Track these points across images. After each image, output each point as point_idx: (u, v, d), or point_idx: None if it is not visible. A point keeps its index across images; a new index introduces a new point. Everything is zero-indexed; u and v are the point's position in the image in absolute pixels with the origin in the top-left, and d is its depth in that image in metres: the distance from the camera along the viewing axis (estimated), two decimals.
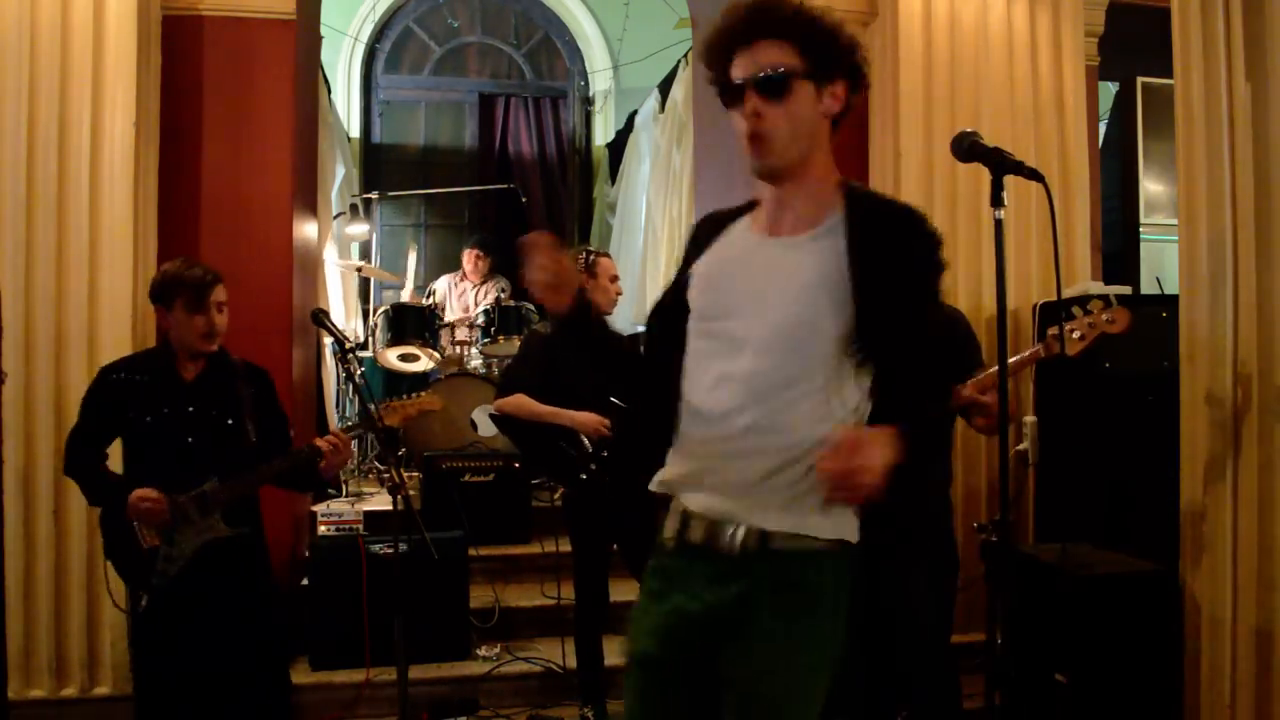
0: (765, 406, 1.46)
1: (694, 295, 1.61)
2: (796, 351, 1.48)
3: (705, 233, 1.67)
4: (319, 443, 2.75)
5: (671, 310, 1.64)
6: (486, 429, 5.12)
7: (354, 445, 5.61)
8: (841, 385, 1.48)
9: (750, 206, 1.67)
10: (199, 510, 2.67)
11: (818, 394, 1.47)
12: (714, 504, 1.50)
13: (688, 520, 1.53)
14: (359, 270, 6.28)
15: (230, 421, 2.76)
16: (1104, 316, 2.52)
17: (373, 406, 2.83)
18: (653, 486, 1.61)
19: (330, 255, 5.61)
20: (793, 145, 1.52)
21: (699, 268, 1.62)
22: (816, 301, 1.47)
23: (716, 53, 1.55)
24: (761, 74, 1.49)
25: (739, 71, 1.52)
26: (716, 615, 1.48)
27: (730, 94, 1.54)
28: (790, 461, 1.46)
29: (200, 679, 2.71)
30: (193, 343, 2.73)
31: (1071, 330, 2.53)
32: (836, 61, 1.53)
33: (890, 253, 1.47)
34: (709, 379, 1.53)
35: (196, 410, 2.74)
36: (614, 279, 3.38)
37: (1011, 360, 2.13)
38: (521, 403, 3.28)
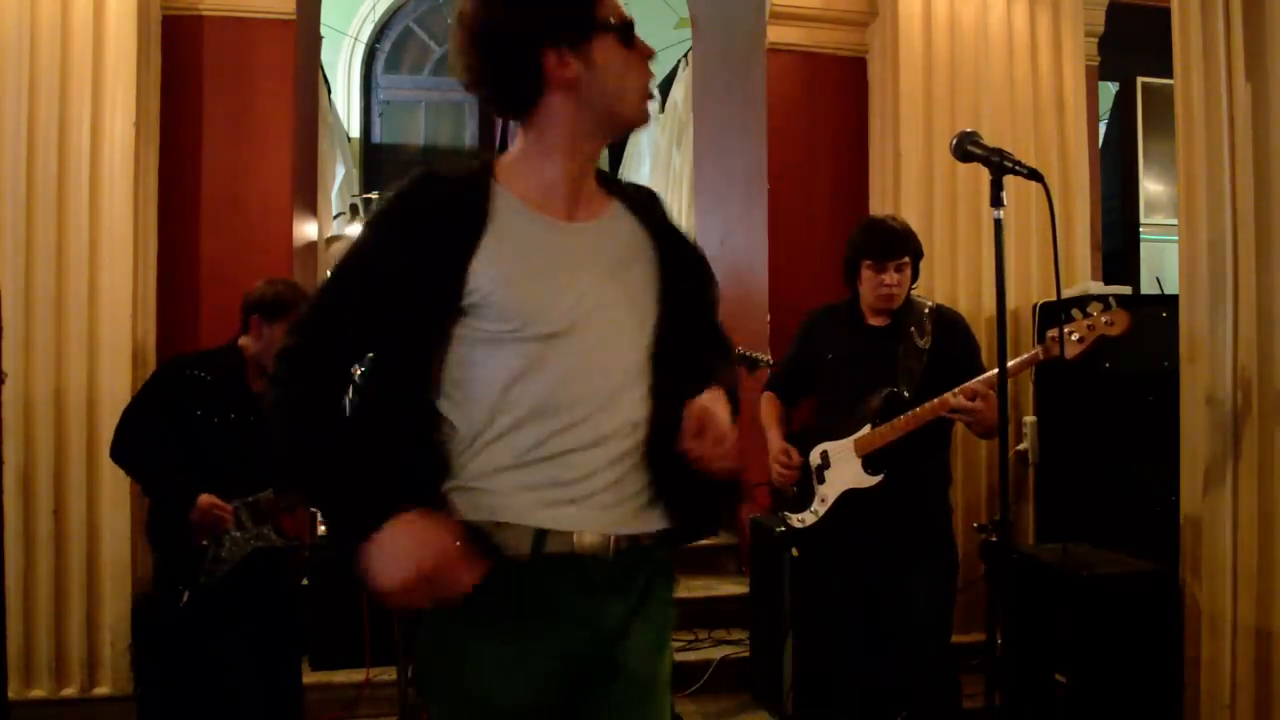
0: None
1: (489, 295, 1.27)
2: (622, 342, 1.34)
3: (461, 210, 1.30)
4: None
5: (433, 308, 1.28)
6: None
7: None
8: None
9: (484, 177, 1.34)
10: (252, 518, 2.72)
11: (641, 383, 1.35)
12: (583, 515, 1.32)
13: (543, 534, 1.31)
14: None
15: None
16: (1103, 319, 2.50)
17: None
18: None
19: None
20: None
21: (480, 263, 1.27)
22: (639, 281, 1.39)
23: None
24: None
25: (626, 15, 1.36)
26: (607, 643, 1.35)
27: (627, 33, 1.34)
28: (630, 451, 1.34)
29: (222, 678, 2.74)
30: None
31: (1070, 333, 2.51)
32: None
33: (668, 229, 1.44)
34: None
35: (258, 421, 2.77)
36: None
37: (1010, 363, 2.12)
38: None
